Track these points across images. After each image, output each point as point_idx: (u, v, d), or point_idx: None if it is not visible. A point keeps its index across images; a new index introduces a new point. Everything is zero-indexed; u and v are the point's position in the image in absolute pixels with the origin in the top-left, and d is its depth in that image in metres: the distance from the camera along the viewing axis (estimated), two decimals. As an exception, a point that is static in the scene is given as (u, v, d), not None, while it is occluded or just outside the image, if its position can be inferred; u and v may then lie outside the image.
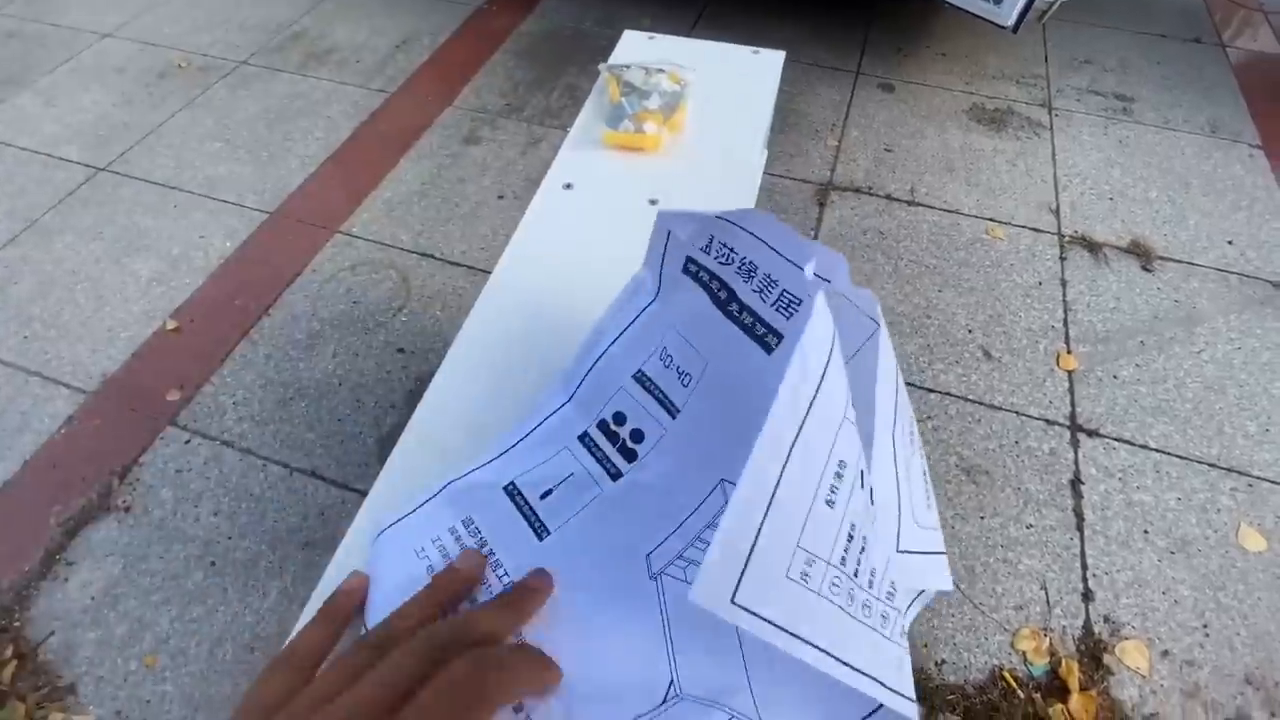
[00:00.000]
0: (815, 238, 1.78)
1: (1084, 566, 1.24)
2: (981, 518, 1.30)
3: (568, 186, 0.52)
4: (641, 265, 0.38)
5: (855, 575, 0.24)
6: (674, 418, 0.34)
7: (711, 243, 0.32)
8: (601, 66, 0.61)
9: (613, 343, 0.37)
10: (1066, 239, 1.78)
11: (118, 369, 1.51)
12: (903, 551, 0.28)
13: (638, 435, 0.35)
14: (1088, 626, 1.18)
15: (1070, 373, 1.51)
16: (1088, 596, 1.21)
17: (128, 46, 2.41)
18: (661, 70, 0.58)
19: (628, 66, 0.59)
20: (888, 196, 1.88)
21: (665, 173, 0.53)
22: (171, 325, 1.59)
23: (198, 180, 1.93)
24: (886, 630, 0.25)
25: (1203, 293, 1.66)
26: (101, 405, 1.46)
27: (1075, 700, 1.09)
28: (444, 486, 0.37)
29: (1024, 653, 1.15)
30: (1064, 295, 1.66)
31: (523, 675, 0.28)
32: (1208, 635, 1.17)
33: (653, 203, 0.50)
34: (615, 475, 0.35)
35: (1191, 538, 1.28)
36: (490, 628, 0.29)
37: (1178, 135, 2.08)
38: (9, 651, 1.16)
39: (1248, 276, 1.70)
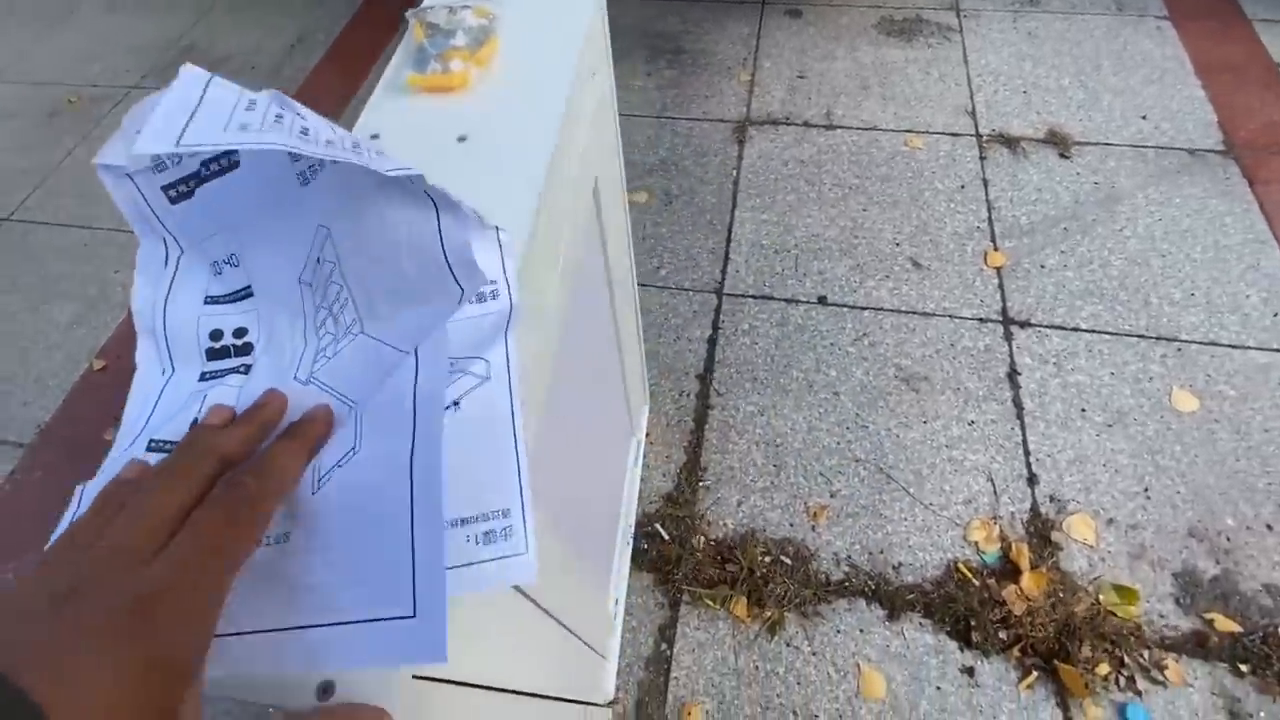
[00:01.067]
0: (738, 176, 1.77)
1: (1027, 453, 1.27)
2: (924, 422, 1.32)
3: (374, 137, 0.51)
4: (142, 243, 0.38)
5: (284, 120, 0.31)
6: (254, 296, 0.38)
7: (182, 136, 0.32)
8: (409, 13, 0.59)
9: (166, 301, 0.37)
10: (985, 139, 1.78)
11: (51, 417, 1.48)
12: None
13: (241, 332, 0.37)
14: (1034, 509, 1.21)
15: (999, 269, 1.53)
16: (1033, 480, 1.24)
17: (14, 90, 2.31)
18: (467, 6, 0.56)
19: (432, 7, 0.57)
20: (805, 124, 1.87)
21: (476, 110, 0.52)
22: (99, 364, 1.55)
23: (105, 215, 1.87)
24: (364, 154, 0.32)
25: (1120, 171, 1.68)
26: (41, 456, 1.44)
27: (1027, 579, 1.13)
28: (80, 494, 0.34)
29: (976, 543, 1.19)
30: (987, 195, 1.67)
31: (282, 470, 0.29)
32: (1149, 498, 1.21)
33: (461, 139, 0.49)
34: (247, 369, 0.36)
35: (1127, 409, 1.31)
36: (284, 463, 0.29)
37: (1085, 19, 2.07)
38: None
39: (1163, 148, 1.72)
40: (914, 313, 1.48)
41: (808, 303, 1.51)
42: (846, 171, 1.74)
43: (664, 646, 1.13)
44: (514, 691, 0.67)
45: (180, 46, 2.38)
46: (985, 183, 1.69)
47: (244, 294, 0.38)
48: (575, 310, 0.66)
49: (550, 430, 0.65)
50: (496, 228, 0.40)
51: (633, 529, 1.22)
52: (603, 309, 0.82)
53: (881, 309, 1.49)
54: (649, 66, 2.07)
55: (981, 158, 1.74)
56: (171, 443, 0.35)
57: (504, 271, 0.39)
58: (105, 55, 2.39)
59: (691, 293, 1.55)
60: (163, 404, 0.37)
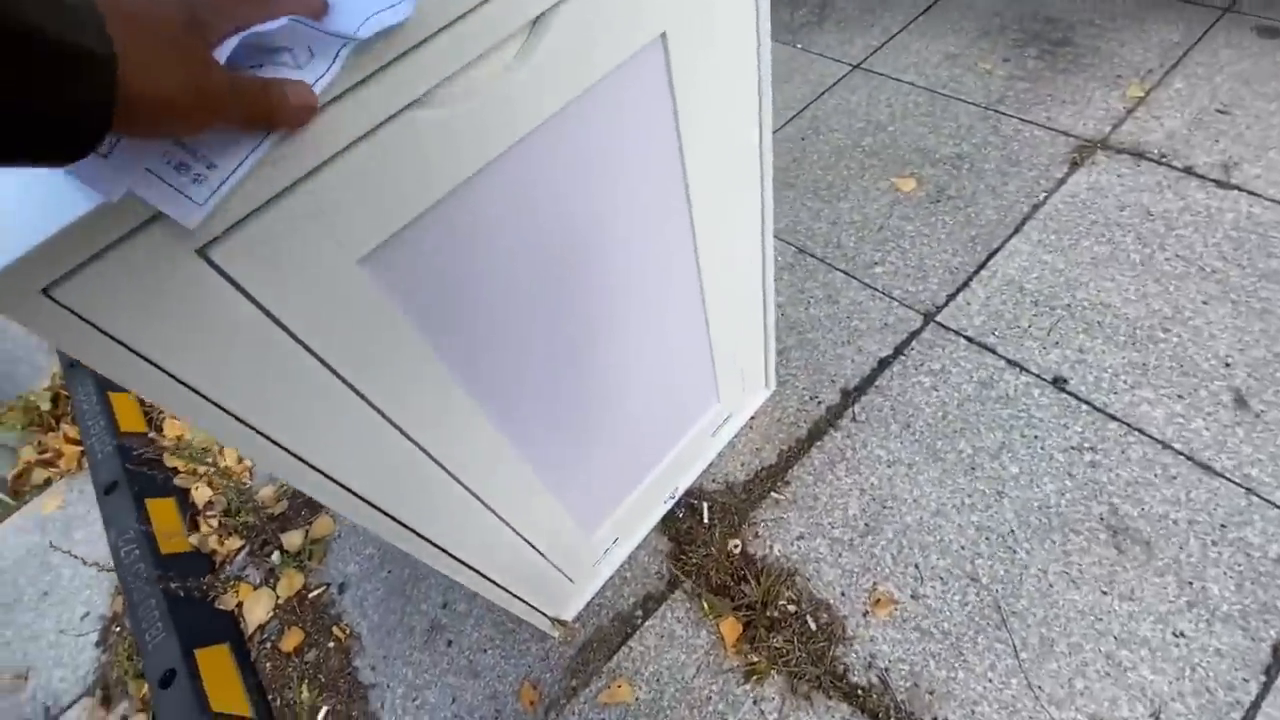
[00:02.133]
0: (1043, 201, 1.38)
1: (1247, 723, 0.82)
2: (1104, 593, 0.93)
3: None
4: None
5: None
6: None
7: None
8: None
9: None
10: None
11: None
12: None
13: None
14: (1204, 798, 0.79)
15: (1390, 469, 0.96)
16: (1229, 763, 0.80)
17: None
18: None
19: None
20: (1186, 169, 1.35)
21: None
22: None
23: None
24: None
25: None
26: None
27: None
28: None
29: (1072, 773, 0.82)
30: None
31: None
32: None
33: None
34: None
35: None
36: None
37: None
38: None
39: None
40: (1189, 458, 1.02)
41: (1037, 376, 1.15)
42: (1209, 247, 1.24)
43: (639, 614, 1.04)
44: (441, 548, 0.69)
45: None
46: None
47: None
48: (597, 189, 0.59)
49: (527, 305, 0.61)
50: None
51: (680, 493, 1.13)
52: (669, 227, 0.72)
53: (1140, 431, 1.06)
54: (1011, 52, 1.70)
55: None
56: None
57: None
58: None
59: (897, 304, 1.30)
60: None
